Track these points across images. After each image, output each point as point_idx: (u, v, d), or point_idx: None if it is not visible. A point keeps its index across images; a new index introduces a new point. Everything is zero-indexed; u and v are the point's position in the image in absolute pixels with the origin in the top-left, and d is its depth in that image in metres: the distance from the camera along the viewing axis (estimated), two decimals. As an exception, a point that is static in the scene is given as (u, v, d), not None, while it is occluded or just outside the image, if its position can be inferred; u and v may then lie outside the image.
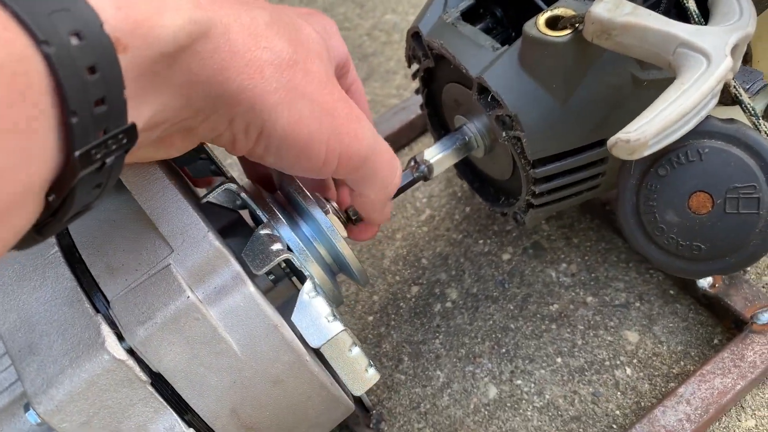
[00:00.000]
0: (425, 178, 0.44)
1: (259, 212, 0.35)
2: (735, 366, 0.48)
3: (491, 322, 0.57)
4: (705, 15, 0.35)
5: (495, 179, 0.49)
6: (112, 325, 0.31)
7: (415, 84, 0.50)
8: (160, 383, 0.31)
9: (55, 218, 0.23)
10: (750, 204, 0.31)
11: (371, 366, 0.39)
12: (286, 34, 0.29)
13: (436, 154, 0.43)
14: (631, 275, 0.57)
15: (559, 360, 0.54)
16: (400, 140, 0.68)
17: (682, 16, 0.36)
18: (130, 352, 0.30)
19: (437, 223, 0.64)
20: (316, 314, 0.34)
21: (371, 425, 0.51)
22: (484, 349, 0.56)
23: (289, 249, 0.35)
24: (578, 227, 0.61)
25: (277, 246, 0.33)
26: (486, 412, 0.52)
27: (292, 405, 0.34)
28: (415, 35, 0.43)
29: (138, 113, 0.24)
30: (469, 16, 0.41)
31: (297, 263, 0.35)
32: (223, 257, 0.32)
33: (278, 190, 0.42)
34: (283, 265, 0.38)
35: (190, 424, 0.31)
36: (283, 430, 0.35)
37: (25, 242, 0.23)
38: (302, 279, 0.36)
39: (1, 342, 0.31)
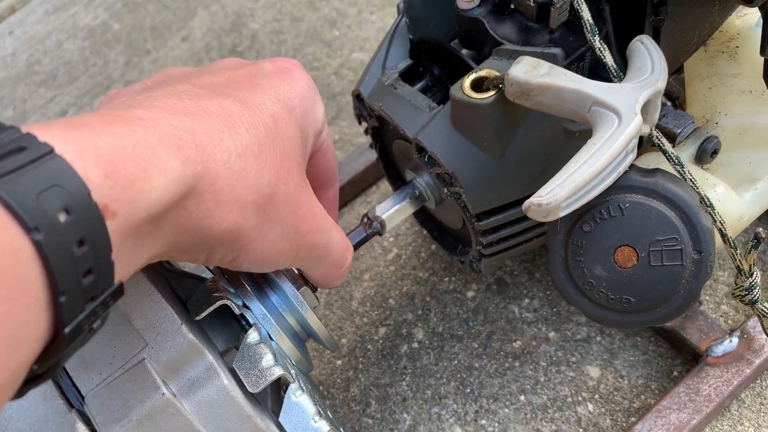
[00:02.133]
0: (379, 233, 0.45)
1: (246, 314, 0.36)
2: (690, 400, 0.48)
3: (456, 361, 0.58)
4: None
5: (451, 228, 0.50)
6: (87, 421, 0.31)
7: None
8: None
9: (38, 380, 0.22)
10: (674, 256, 0.32)
11: None
12: (271, 151, 0.29)
13: (388, 209, 0.44)
14: (592, 309, 0.58)
15: (522, 398, 0.54)
16: (366, 179, 0.70)
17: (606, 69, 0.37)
18: None
19: (404, 261, 0.65)
20: (303, 415, 0.34)
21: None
22: (450, 390, 0.56)
23: (275, 359, 0.35)
24: (539, 261, 0.62)
25: (268, 360, 0.34)
26: (452, 454, 0.53)
27: None
28: (357, 97, 0.44)
29: (125, 271, 0.24)
30: (408, 75, 0.43)
31: (288, 373, 0.35)
32: (197, 350, 0.32)
33: None
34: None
35: None
36: None
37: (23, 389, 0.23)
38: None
39: None
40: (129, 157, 0.22)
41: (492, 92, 0.36)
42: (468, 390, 0.56)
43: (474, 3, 0.38)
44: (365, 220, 0.45)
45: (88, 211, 0.20)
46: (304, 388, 0.35)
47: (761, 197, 0.40)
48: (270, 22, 0.99)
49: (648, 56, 0.34)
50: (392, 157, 0.50)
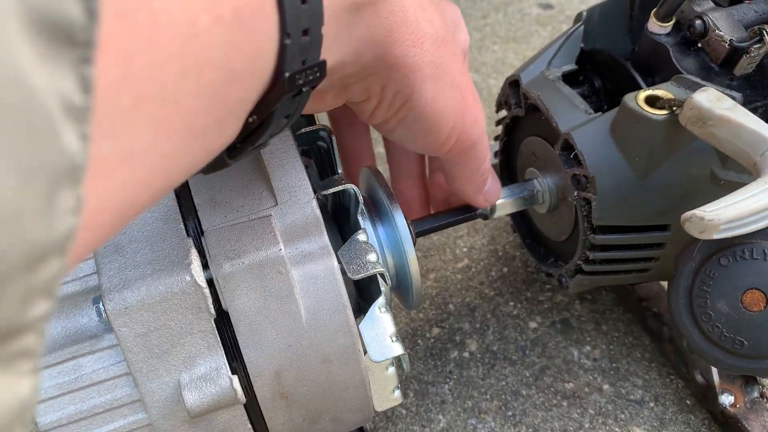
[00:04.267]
0: (485, 216, 0.45)
1: (360, 218, 0.37)
2: (741, 489, 0.47)
3: (504, 383, 0.57)
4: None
5: (549, 239, 0.50)
6: (200, 252, 0.32)
7: (490, 132, 0.52)
8: (223, 323, 0.32)
9: (246, 142, 0.25)
10: (803, 313, 0.32)
11: (398, 389, 0.40)
12: (440, 13, 0.31)
13: (502, 197, 0.45)
14: (651, 375, 0.57)
15: (562, 437, 0.53)
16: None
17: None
18: (209, 283, 0.31)
19: (472, 274, 0.65)
20: (383, 330, 0.35)
21: (364, 448, 0.51)
22: (491, 407, 0.55)
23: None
24: (610, 316, 0.61)
25: (372, 256, 0.35)
26: (479, 468, 0.52)
27: (329, 389, 0.34)
28: (513, 83, 0.45)
29: (326, 54, 0.25)
30: (569, 79, 0.44)
31: (384, 278, 0.36)
32: (319, 226, 0.33)
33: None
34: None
35: (234, 372, 0.32)
36: (311, 411, 0.35)
37: (213, 166, 0.25)
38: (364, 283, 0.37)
39: None
40: None
41: (665, 111, 0.36)
42: (510, 413, 0.55)
43: (666, 30, 0.39)
44: (478, 201, 0.45)
45: None
46: (389, 308, 0.35)
47: None
48: (395, 24, 1.01)
49: (828, 121, 0.35)
50: (514, 155, 0.50)
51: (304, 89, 0.24)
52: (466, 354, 0.59)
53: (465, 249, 0.68)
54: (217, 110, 0.21)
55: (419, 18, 0.29)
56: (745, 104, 0.39)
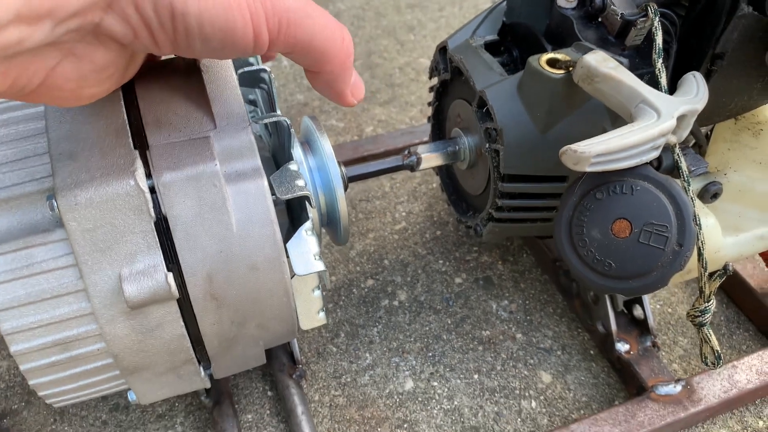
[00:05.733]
0: (412, 168, 0.50)
1: (293, 150, 0.41)
2: (625, 420, 0.53)
3: (427, 328, 0.62)
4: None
5: (469, 194, 0.56)
6: (145, 164, 0.36)
7: (427, 112, 0.57)
8: (162, 227, 0.36)
9: None
10: (660, 240, 0.38)
11: (323, 311, 0.45)
12: None
13: (427, 151, 0.50)
14: (561, 328, 0.63)
15: (475, 377, 0.59)
16: (399, 156, 0.75)
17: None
18: (152, 190, 0.35)
19: (408, 235, 0.70)
20: (307, 249, 0.39)
21: (293, 376, 0.56)
22: (414, 348, 0.61)
23: None
24: (528, 276, 0.67)
25: (300, 182, 0.39)
26: (398, 399, 0.57)
27: (255, 295, 0.39)
28: (442, 49, 0.51)
29: None
30: (491, 47, 0.49)
31: (308, 202, 0.40)
32: (253, 150, 0.37)
33: None
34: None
35: (169, 270, 0.36)
36: (239, 314, 0.39)
37: None
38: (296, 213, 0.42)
39: (46, 143, 0.36)
40: None
41: (562, 71, 0.42)
42: (430, 354, 0.60)
43: (572, 4, 0.45)
44: (405, 152, 0.50)
45: None
46: (315, 233, 0.40)
47: (739, 245, 0.46)
48: (356, 8, 1.06)
49: (696, 85, 0.41)
50: (444, 118, 0.56)
51: None
52: (395, 303, 0.64)
53: (404, 213, 0.73)
54: None
55: None
56: (632, 71, 0.45)
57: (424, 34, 1.01)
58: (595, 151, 0.36)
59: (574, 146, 0.36)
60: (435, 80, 0.55)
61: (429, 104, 0.58)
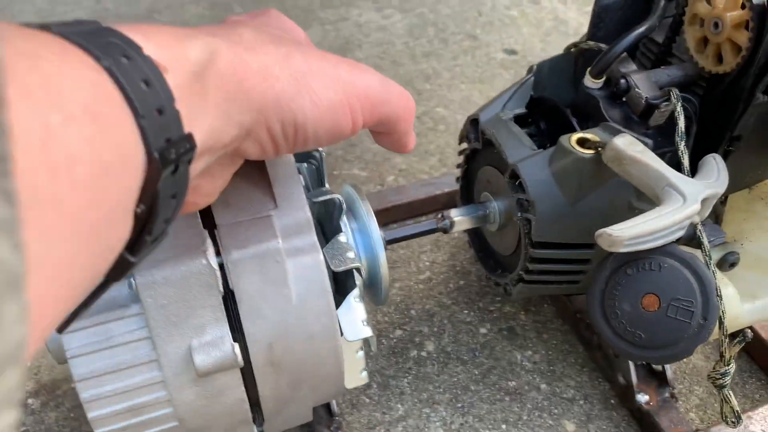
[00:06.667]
0: (445, 230, 0.54)
1: (341, 223, 0.45)
2: (648, 471, 0.55)
3: (456, 379, 0.65)
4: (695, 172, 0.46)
5: (498, 253, 0.59)
6: (214, 243, 0.39)
7: (455, 160, 0.61)
8: (229, 300, 0.39)
9: (143, 233, 0.25)
10: (686, 314, 0.41)
11: (365, 370, 0.48)
12: (270, 37, 0.32)
13: (460, 214, 0.53)
14: (583, 378, 0.66)
15: (503, 426, 0.61)
16: (422, 207, 0.79)
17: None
18: (220, 266, 0.39)
19: (433, 285, 0.74)
20: (356, 316, 0.43)
21: (331, 428, 0.58)
22: (443, 399, 0.63)
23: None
24: (550, 326, 0.70)
25: (351, 254, 0.43)
26: (430, 450, 0.59)
27: (310, 361, 0.42)
28: (473, 121, 0.54)
29: (196, 129, 0.26)
30: (519, 120, 0.53)
31: (359, 273, 0.44)
32: (311, 227, 0.41)
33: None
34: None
35: (235, 340, 0.39)
36: (294, 378, 0.42)
37: (119, 269, 0.25)
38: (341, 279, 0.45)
39: None
40: (169, 32, 0.27)
41: (591, 151, 0.45)
42: (459, 405, 0.63)
43: (598, 85, 0.49)
44: (439, 216, 0.53)
45: (143, 60, 0.24)
46: (362, 299, 0.43)
47: (757, 311, 0.50)
48: (373, 57, 1.11)
49: (716, 168, 0.44)
50: (472, 180, 0.59)
51: (180, 165, 0.25)
52: (424, 353, 0.67)
53: (428, 263, 0.76)
54: (101, 204, 0.21)
55: (255, 56, 0.30)
56: (656, 149, 0.48)
57: (439, 83, 1.05)
58: (629, 235, 0.39)
59: (608, 230, 0.39)
60: (464, 145, 0.59)
61: (458, 166, 0.61)
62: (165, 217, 0.26)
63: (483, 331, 0.69)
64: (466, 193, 0.61)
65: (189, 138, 0.25)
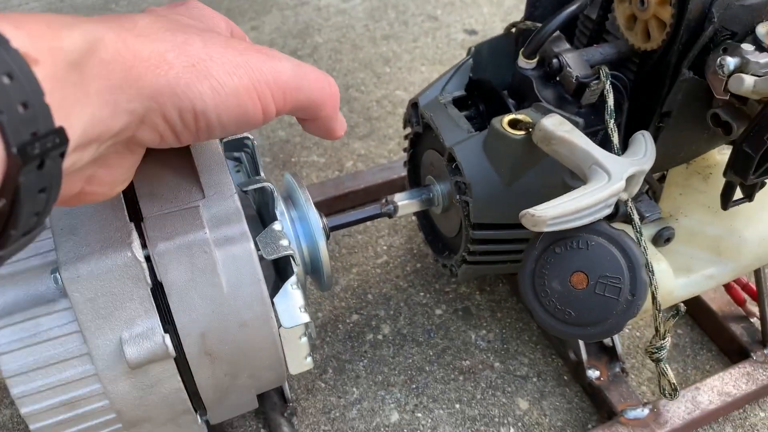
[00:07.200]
0: (389, 215, 0.54)
1: (277, 212, 0.45)
2: (596, 444, 0.56)
3: (411, 360, 0.66)
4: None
5: (444, 235, 0.59)
6: (140, 234, 0.39)
7: (405, 145, 0.61)
8: (158, 292, 0.39)
9: (8, 227, 0.24)
10: (614, 291, 0.41)
11: (310, 356, 0.48)
12: (169, 24, 0.32)
13: (404, 198, 0.53)
14: (536, 355, 0.66)
15: (457, 406, 0.62)
16: (379, 192, 0.79)
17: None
18: (147, 259, 0.39)
19: (390, 269, 0.74)
20: (293, 302, 0.43)
21: (285, 414, 0.59)
22: (398, 381, 0.64)
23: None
24: (504, 305, 0.71)
25: (284, 242, 0.43)
26: None
27: (246, 349, 0.42)
28: (414, 105, 0.54)
29: (68, 124, 0.25)
30: (458, 102, 0.53)
31: (294, 260, 0.44)
32: (239, 216, 0.41)
33: None
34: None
35: (166, 331, 0.39)
36: (231, 367, 0.43)
37: None
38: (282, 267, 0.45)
39: (48, 219, 0.39)
40: (44, 21, 0.26)
41: (523, 132, 0.46)
42: (414, 386, 0.64)
43: (531, 65, 0.49)
44: (383, 201, 0.54)
45: (9, 53, 0.23)
46: (300, 286, 0.43)
47: (691, 285, 0.50)
48: (333, 41, 1.10)
49: (644, 145, 0.45)
50: (418, 164, 0.59)
51: (46, 160, 0.24)
52: (380, 336, 0.68)
53: (385, 247, 0.76)
54: None
55: (147, 42, 0.29)
56: (587, 128, 0.48)
57: (399, 66, 1.05)
58: (551, 215, 0.39)
59: (531, 210, 0.40)
60: (409, 129, 0.59)
61: (404, 150, 0.61)
62: (34, 210, 0.25)
63: (438, 312, 0.70)
64: (414, 177, 0.61)
65: (60, 132, 0.25)
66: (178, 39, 0.31)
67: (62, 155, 0.25)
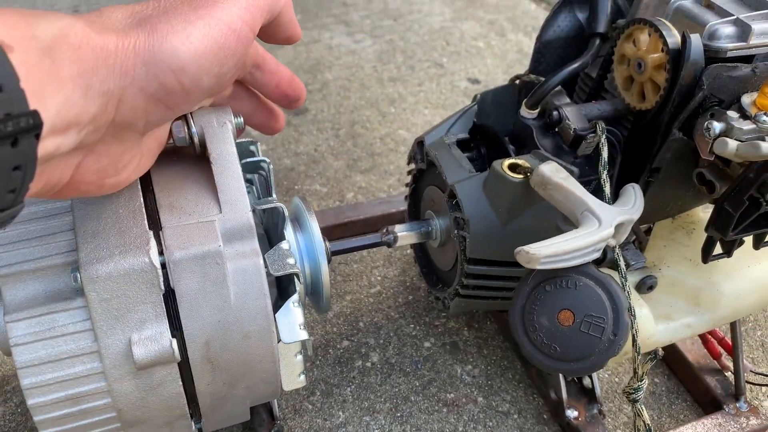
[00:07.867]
0: (389, 245, 0.56)
1: (285, 232, 0.47)
2: (570, 482, 0.58)
3: (397, 389, 0.67)
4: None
5: (439, 268, 0.62)
6: (158, 243, 0.42)
7: (405, 181, 0.64)
8: (169, 298, 0.41)
9: None
10: (597, 330, 0.44)
11: (303, 374, 0.50)
12: (135, 7, 0.34)
13: (404, 230, 0.56)
14: (518, 393, 0.69)
15: (439, 436, 0.64)
16: (377, 224, 0.82)
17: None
18: (162, 266, 0.41)
19: (382, 299, 0.76)
20: (294, 319, 0.45)
21: (272, 431, 0.60)
22: (384, 408, 0.66)
23: None
24: (491, 342, 0.73)
25: (291, 260, 0.45)
26: (366, 456, 0.62)
27: (246, 360, 0.44)
28: (419, 143, 0.58)
29: (43, 108, 0.26)
30: (462, 144, 0.56)
31: (299, 279, 0.46)
32: (252, 233, 0.43)
33: None
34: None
35: (173, 336, 0.41)
36: (230, 376, 0.44)
37: None
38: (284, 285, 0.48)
39: (71, 221, 0.42)
40: (16, 12, 0.27)
41: (521, 176, 0.49)
42: (398, 414, 0.65)
43: (533, 115, 0.53)
44: (384, 230, 0.56)
45: None
46: (301, 304, 0.45)
47: (669, 332, 0.53)
48: (342, 79, 1.14)
49: (634, 196, 0.48)
50: (419, 199, 0.62)
51: (21, 138, 0.25)
52: (368, 364, 0.69)
53: (379, 278, 0.79)
54: None
55: (114, 25, 0.31)
56: (582, 177, 0.52)
57: (404, 107, 1.09)
58: (545, 253, 0.42)
59: (526, 247, 0.42)
60: (413, 165, 0.62)
61: (407, 185, 0.64)
62: (9, 187, 0.26)
63: (427, 344, 0.72)
64: (414, 211, 0.64)
65: (34, 114, 0.26)
66: (137, 11, 0.33)
67: (37, 137, 0.26)
